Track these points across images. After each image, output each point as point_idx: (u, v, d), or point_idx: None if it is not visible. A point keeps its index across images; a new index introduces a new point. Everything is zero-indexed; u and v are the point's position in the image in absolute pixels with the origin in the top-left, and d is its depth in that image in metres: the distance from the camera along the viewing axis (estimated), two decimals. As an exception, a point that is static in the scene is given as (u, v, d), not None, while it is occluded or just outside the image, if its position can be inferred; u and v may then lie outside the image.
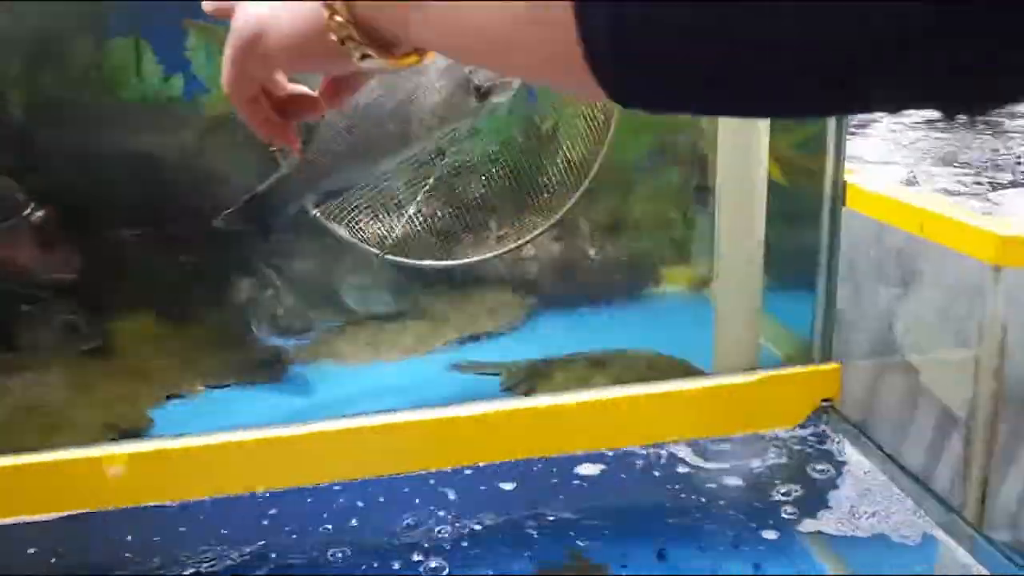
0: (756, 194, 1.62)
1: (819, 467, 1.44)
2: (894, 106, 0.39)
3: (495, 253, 1.80)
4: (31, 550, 1.35)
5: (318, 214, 1.65)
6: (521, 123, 2.03)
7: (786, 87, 0.37)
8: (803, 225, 1.74)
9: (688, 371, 1.68)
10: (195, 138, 1.85)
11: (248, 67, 0.55)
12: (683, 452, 1.52)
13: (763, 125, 1.62)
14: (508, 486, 1.49)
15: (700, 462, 1.49)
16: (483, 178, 1.82)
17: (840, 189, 1.69)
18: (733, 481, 1.45)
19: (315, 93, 0.61)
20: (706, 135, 2.04)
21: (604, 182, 2.14)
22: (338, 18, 0.48)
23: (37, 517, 1.43)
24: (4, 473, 1.46)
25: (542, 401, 1.57)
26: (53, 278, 1.72)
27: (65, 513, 1.43)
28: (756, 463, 1.48)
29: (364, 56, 0.49)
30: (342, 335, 1.94)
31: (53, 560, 1.33)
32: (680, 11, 0.36)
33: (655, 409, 1.57)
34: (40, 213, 1.55)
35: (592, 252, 2.15)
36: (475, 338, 1.96)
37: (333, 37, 0.48)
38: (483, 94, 1.58)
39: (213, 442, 1.48)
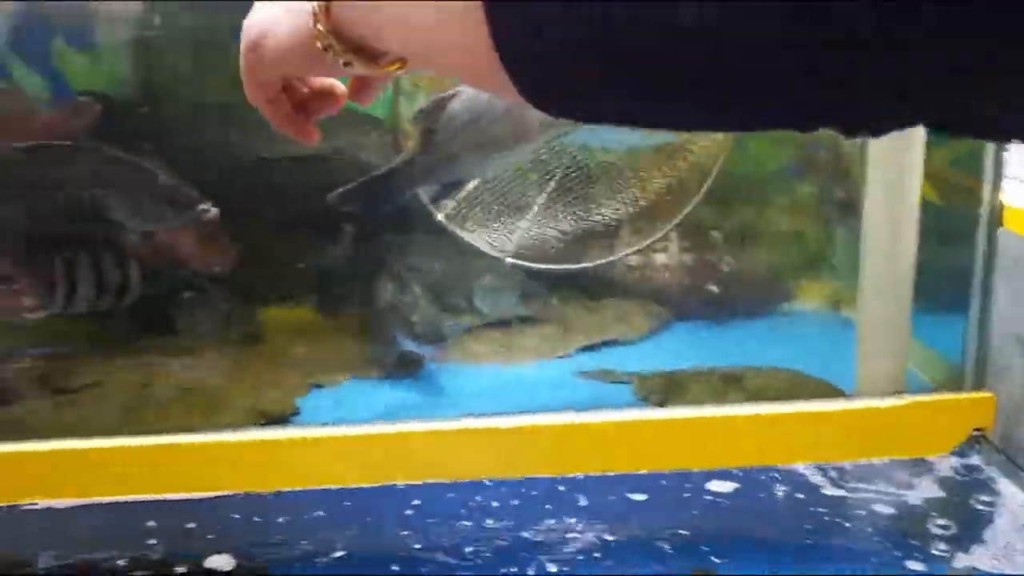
0: (908, 212, 1.57)
1: (971, 499, 1.38)
2: (894, 120, 0.37)
3: (617, 256, 1.80)
4: (190, 524, 1.43)
5: (444, 218, 1.70)
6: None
7: (758, 86, 0.35)
8: (956, 245, 1.68)
9: (829, 392, 1.64)
10: (352, 137, 1.92)
11: (257, 71, 0.55)
12: (822, 474, 1.49)
13: (918, 140, 1.56)
14: (639, 497, 1.49)
15: (840, 485, 1.46)
16: (604, 180, 1.83)
17: (997, 209, 1.62)
18: (877, 507, 1.41)
19: (340, 86, 0.60)
20: (851, 148, 1.98)
21: (739, 193, 2.12)
22: (320, 26, 0.47)
23: (191, 495, 1.51)
24: (166, 450, 1.55)
25: (677, 413, 1.57)
26: (213, 270, 1.83)
27: (214, 493, 1.51)
28: (902, 491, 1.43)
29: (347, 64, 0.49)
30: (475, 336, 1.98)
31: (210, 536, 1.41)
32: (591, 9, 0.35)
33: (794, 429, 1.54)
34: (213, 212, 1.64)
35: (724, 264, 2.13)
36: (605, 345, 1.97)
37: (318, 44, 0.48)
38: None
39: (355, 432, 1.54)
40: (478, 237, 1.74)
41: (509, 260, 1.73)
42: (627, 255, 1.88)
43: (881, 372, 1.56)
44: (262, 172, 1.89)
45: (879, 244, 1.59)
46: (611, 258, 1.82)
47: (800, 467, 1.52)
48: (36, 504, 1.51)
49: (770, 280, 2.15)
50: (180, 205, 1.66)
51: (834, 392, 1.64)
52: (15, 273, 1.81)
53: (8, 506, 1.51)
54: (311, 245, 1.93)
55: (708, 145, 1.71)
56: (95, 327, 1.89)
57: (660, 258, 2.08)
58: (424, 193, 1.68)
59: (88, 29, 1.92)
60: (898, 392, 1.54)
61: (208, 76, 1.91)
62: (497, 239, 1.75)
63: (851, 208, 2.05)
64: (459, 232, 1.73)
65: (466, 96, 1.55)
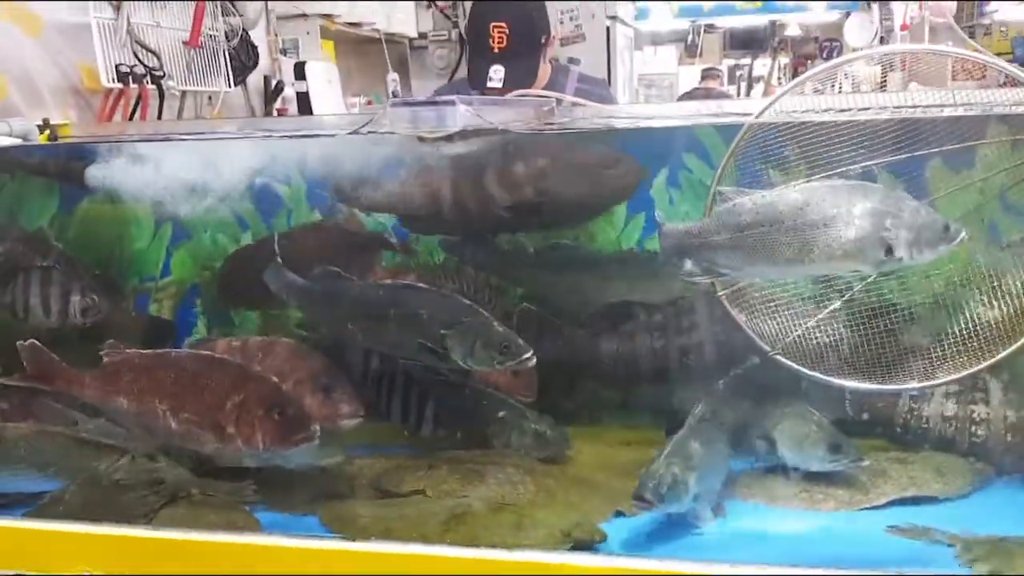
0: None
1: None
2: None
3: (918, 385, 1.73)
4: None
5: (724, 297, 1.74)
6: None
7: None
8: None
9: None
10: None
11: None
12: None
13: None
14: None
15: None
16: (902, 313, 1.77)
17: None
18: None
19: None
20: None
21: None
22: None
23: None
24: (477, 565, 1.67)
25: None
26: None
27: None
28: None
29: None
30: (775, 475, 1.95)
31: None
32: None
33: None
34: (533, 361, 1.84)
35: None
36: (918, 501, 1.86)
37: None
38: (889, 251, 1.58)
39: (663, 569, 1.57)
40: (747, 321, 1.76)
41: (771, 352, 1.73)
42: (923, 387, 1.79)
43: None
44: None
45: None
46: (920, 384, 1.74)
47: None
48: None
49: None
50: (509, 354, 1.83)
51: None
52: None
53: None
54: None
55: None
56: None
57: (982, 410, 1.95)
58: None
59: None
60: None
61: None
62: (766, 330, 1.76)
63: None
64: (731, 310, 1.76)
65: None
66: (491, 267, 2.30)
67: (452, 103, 1.81)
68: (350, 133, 1.91)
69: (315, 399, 2.01)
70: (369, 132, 1.87)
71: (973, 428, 1.95)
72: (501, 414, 2.04)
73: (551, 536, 1.75)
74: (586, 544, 1.73)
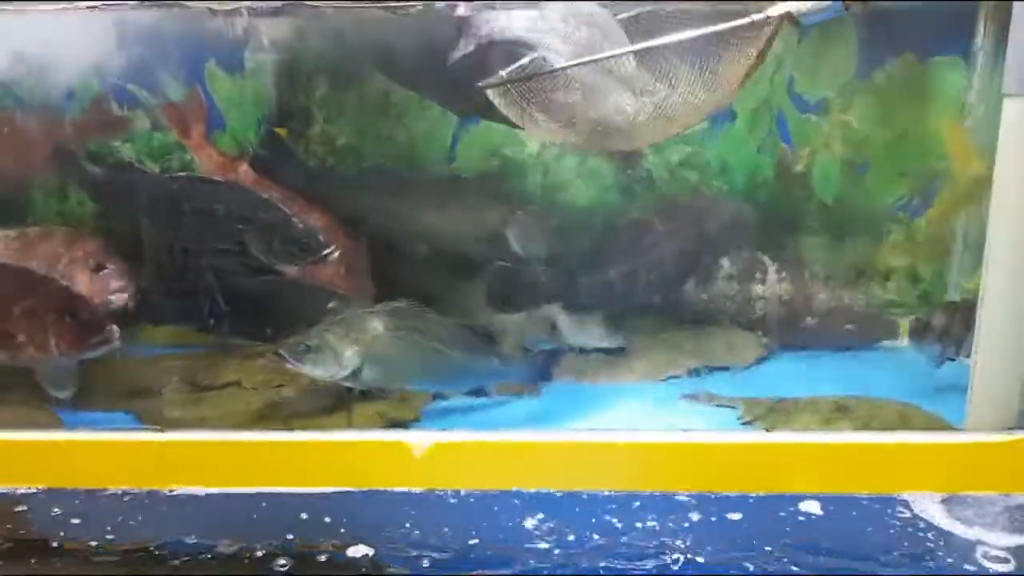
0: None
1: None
2: None
3: None
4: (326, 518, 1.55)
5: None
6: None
7: None
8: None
9: (939, 425, 1.65)
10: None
11: None
12: (931, 508, 1.50)
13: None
14: (735, 516, 1.52)
15: (949, 520, 1.47)
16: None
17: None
18: (984, 544, 1.41)
19: None
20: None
21: (854, 229, 2.14)
22: None
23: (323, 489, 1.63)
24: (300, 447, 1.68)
25: (783, 438, 1.60)
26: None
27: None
28: (1012, 529, 1.43)
29: None
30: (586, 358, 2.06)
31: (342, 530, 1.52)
32: None
33: (901, 460, 1.55)
34: (336, 255, 1.87)
35: (826, 297, 2.14)
36: (711, 371, 2.01)
37: None
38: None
39: (474, 439, 1.64)
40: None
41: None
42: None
43: (994, 409, 1.56)
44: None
45: (999, 284, 1.59)
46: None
47: (907, 498, 1.53)
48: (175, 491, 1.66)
49: (876, 315, 2.16)
50: (309, 249, 1.83)
51: (944, 426, 1.65)
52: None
53: (150, 491, 1.66)
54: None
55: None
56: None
57: (761, 290, 2.12)
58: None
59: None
60: (1009, 429, 1.54)
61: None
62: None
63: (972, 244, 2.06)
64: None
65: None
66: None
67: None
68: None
69: (86, 277, 1.94)
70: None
71: (752, 305, 2.12)
72: (331, 305, 2.02)
73: (371, 419, 1.79)
74: (400, 423, 1.78)
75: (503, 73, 1.54)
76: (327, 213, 1.99)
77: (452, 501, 1.59)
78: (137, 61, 2.01)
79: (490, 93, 1.57)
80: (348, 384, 1.76)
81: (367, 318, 1.78)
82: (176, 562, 1.44)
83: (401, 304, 1.81)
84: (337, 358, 1.73)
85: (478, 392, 1.89)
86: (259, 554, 1.44)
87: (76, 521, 1.56)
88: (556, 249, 2.05)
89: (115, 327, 1.81)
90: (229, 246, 1.90)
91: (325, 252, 1.84)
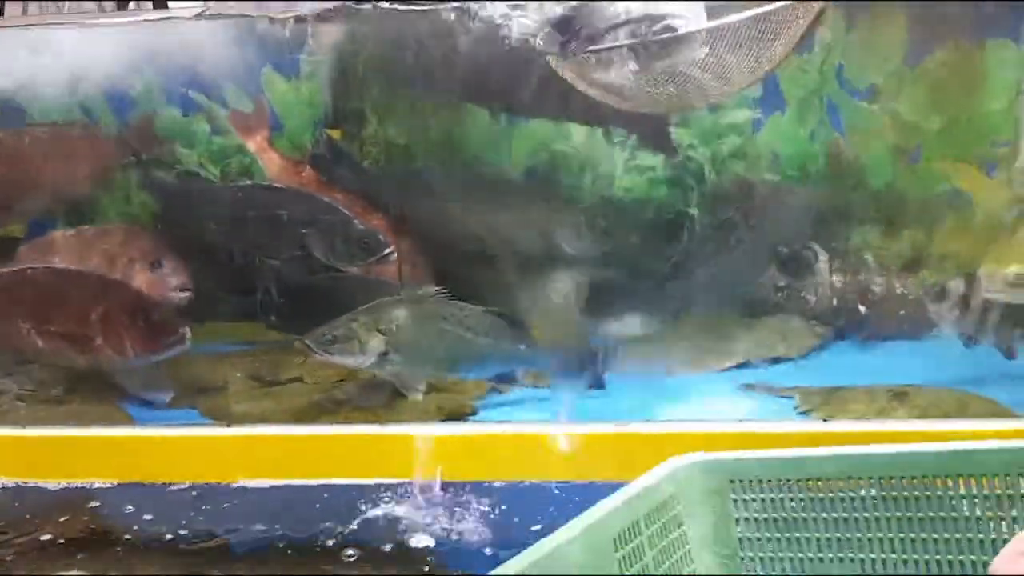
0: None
1: None
2: None
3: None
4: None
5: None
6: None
7: None
8: None
9: (997, 411, 1.64)
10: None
11: None
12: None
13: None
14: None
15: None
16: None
17: None
18: None
19: None
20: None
21: (907, 216, 2.13)
22: None
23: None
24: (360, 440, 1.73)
25: (841, 427, 1.61)
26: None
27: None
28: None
29: None
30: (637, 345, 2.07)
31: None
32: None
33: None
34: (394, 256, 1.92)
35: (883, 286, 2.13)
36: (768, 362, 2.02)
37: None
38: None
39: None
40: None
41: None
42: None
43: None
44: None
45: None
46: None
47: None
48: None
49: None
50: (369, 250, 1.88)
51: (1001, 412, 1.64)
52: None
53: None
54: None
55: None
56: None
57: (811, 279, 2.12)
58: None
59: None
60: (1072, 415, 1.53)
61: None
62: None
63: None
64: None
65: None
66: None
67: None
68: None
69: (145, 275, 2.01)
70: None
71: (804, 295, 2.11)
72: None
73: (426, 412, 1.83)
74: (457, 415, 1.82)
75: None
76: (385, 213, 2.03)
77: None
78: (195, 69, 2.08)
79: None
80: (375, 370, 1.80)
81: (392, 307, 1.82)
82: (243, 552, 1.48)
83: (427, 292, 1.84)
84: (363, 347, 1.77)
85: (504, 378, 1.92)
86: (329, 543, 1.48)
87: (148, 517, 1.61)
88: (606, 245, 2.06)
89: (187, 328, 1.87)
90: (293, 250, 1.95)
91: (385, 252, 1.88)
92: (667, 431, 1.64)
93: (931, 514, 0.90)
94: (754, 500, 0.97)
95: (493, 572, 0.79)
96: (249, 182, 2.12)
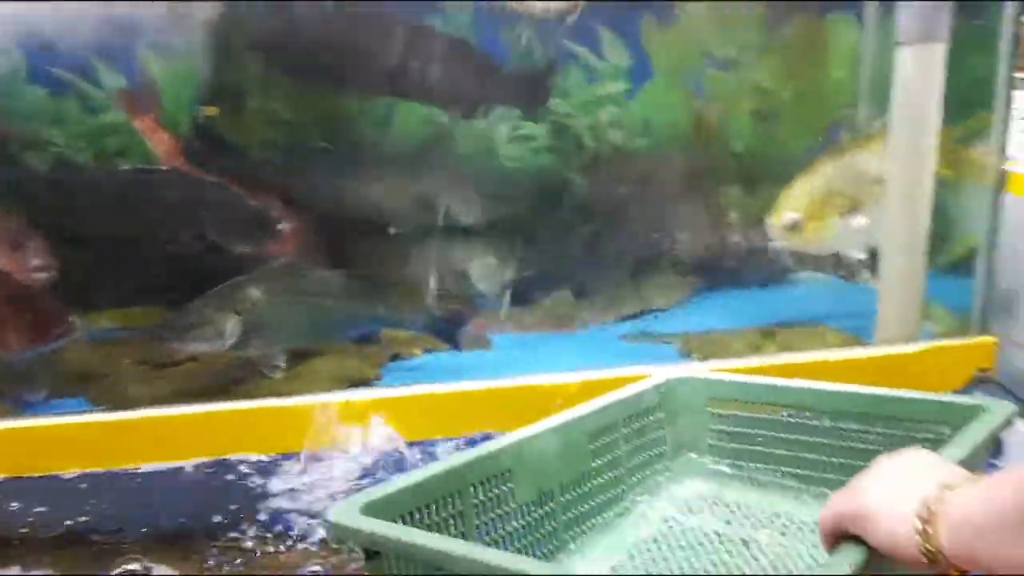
0: (923, 186, 1.74)
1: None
2: None
3: None
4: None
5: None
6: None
7: None
8: (965, 212, 1.86)
9: (852, 342, 1.84)
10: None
11: (840, 528, 0.67)
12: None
13: (933, 123, 1.73)
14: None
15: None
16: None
17: (1001, 176, 1.81)
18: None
19: None
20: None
21: (767, 174, 2.31)
22: (929, 546, 0.59)
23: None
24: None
25: (720, 365, 1.75)
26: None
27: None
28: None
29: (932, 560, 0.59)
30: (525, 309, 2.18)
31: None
32: None
33: (819, 375, 1.72)
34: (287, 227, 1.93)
35: (743, 239, 2.31)
36: (648, 313, 2.16)
37: (921, 554, 0.59)
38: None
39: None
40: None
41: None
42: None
43: (899, 325, 1.75)
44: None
45: (898, 214, 1.77)
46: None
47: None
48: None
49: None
50: (261, 228, 1.88)
51: (856, 342, 1.83)
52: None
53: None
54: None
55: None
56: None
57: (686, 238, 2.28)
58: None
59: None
60: (913, 340, 1.73)
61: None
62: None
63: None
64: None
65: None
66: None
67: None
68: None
69: (7, 256, 1.93)
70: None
71: (679, 251, 2.28)
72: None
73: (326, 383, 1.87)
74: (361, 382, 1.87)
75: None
76: (273, 191, 2.04)
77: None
78: (70, 48, 2.02)
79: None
80: (239, 353, 1.77)
81: (244, 286, 1.78)
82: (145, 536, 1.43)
83: (278, 266, 1.84)
84: (219, 331, 1.73)
85: (366, 338, 1.95)
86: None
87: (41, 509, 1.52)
88: (490, 213, 2.15)
89: (75, 318, 1.82)
90: (180, 231, 1.93)
91: (278, 229, 1.90)
92: (553, 382, 1.72)
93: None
94: (730, 416, 1.13)
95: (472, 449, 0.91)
96: (130, 166, 2.08)
